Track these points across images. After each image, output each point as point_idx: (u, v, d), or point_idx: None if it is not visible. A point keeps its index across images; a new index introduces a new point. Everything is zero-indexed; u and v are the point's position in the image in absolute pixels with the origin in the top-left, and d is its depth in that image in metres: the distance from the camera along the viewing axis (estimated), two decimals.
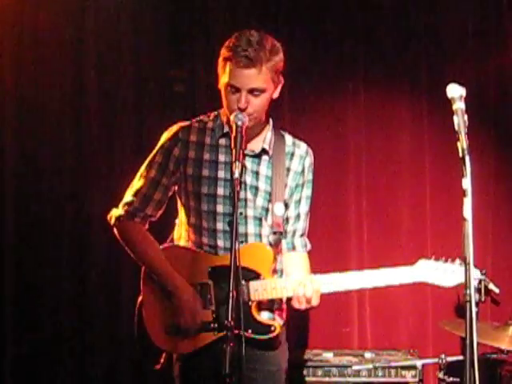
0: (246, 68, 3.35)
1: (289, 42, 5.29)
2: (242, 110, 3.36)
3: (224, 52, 3.42)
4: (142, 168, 3.61)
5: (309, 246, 3.68)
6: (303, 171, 3.62)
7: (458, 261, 3.38)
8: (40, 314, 5.28)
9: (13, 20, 5.27)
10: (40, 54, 5.30)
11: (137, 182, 3.60)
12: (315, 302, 3.40)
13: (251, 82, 3.37)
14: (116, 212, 3.59)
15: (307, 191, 3.64)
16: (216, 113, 3.62)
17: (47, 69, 5.30)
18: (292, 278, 3.48)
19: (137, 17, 5.34)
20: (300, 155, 3.62)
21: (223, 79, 3.42)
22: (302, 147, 3.65)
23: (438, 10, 5.36)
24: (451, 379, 4.32)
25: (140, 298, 3.56)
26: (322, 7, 5.37)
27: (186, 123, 3.62)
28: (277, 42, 3.49)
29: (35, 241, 5.29)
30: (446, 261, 3.42)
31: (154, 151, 3.61)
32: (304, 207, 3.64)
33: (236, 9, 5.31)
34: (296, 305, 3.42)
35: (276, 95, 3.50)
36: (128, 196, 3.59)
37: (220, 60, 3.44)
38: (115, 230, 3.61)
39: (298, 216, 3.63)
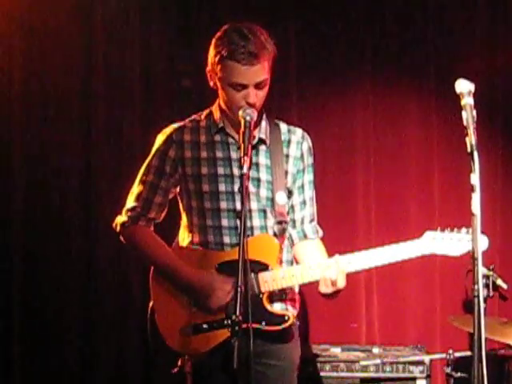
0: (251, 65, 3.32)
1: (297, 38, 5.37)
2: (251, 105, 3.34)
3: (219, 50, 3.36)
4: (141, 172, 3.61)
5: (321, 233, 3.65)
6: (302, 156, 3.59)
7: (464, 229, 3.35)
8: (47, 314, 5.29)
9: (21, 14, 5.27)
10: (48, 48, 5.29)
11: (136, 187, 3.60)
12: (341, 283, 3.37)
13: (257, 76, 3.35)
14: (120, 219, 3.60)
15: (309, 176, 3.62)
16: (208, 111, 3.60)
17: (55, 63, 5.29)
18: (303, 265, 3.47)
19: (145, 11, 5.34)
20: (297, 141, 3.59)
21: (225, 78, 3.38)
22: (298, 133, 3.62)
23: (447, 3, 5.35)
24: (459, 375, 4.31)
25: (151, 304, 3.55)
26: (330, 2, 5.37)
27: (179, 124, 3.60)
28: (264, 30, 3.43)
29: (43, 241, 5.30)
30: (452, 230, 3.39)
31: (151, 155, 3.60)
32: (308, 192, 3.62)
33: (245, 2, 5.31)
34: (323, 289, 3.40)
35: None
36: (130, 202, 3.59)
37: (215, 60, 3.38)
38: (121, 237, 3.62)
39: (303, 202, 3.61)
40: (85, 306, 5.32)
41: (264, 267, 3.42)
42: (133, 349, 5.28)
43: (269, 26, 3.52)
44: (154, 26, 5.36)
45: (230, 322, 3.01)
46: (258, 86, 3.37)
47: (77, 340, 5.31)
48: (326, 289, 3.40)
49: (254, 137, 3.42)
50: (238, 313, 2.93)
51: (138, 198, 3.57)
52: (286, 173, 3.55)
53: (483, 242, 3.26)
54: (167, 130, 3.60)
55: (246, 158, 3.15)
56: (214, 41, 3.42)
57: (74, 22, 5.31)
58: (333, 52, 5.37)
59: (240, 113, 3.31)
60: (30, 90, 5.30)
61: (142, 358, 5.23)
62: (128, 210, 3.58)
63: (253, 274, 3.38)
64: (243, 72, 3.33)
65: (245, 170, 3.12)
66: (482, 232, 3.20)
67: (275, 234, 3.52)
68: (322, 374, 4.74)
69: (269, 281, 3.41)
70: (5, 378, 5.26)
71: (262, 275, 3.41)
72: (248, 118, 3.27)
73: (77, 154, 5.34)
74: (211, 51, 3.42)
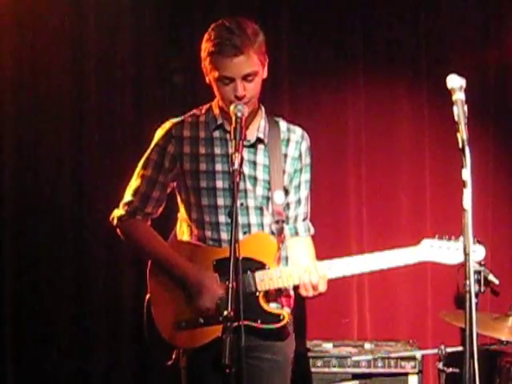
0: (235, 57, 3.34)
1: (289, 33, 5.36)
2: (240, 99, 3.35)
3: (207, 46, 3.40)
4: (139, 167, 3.61)
5: (312, 230, 3.67)
6: (300, 156, 3.60)
7: (461, 238, 3.35)
8: (39, 312, 5.28)
9: (12, 7, 5.25)
10: (40, 42, 5.28)
11: (134, 181, 3.60)
12: (322, 288, 3.40)
13: (243, 68, 3.36)
14: (117, 212, 3.60)
15: (306, 175, 3.63)
16: (208, 106, 3.60)
17: (47, 58, 5.28)
18: (297, 266, 3.48)
19: (136, 6, 5.32)
20: (296, 140, 3.61)
21: (213, 74, 3.40)
22: (297, 132, 3.63)
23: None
24: (451, 370, 4.32)
25: (147, 296, 3.56)
26: None
27: (179, 119, 3.60)
28: (254, 23, 3.45)
29: (34, 238, 5.30)
30: (450, 239, 3.41)
31: (149, 149, 3.60)
32: (304, 191, 3.63)
33: None
34: (303, 292, 3.42)
35: (265, 75, 3.49)
36: (127, 196, 3.59)
37: (204, 55, 3.42)
38: (118, 231, 3.61)
39: (298, 201, 3.62)
40: (78, 306, 5.32)
41: (261, 266, 3.44)
42: (127, 344, 5.29)
43: (261, 21, 3.52)
44: (146, 22, 5.35)
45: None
46: (245, 79, 3.37)
47: (71, 339, 5.32)
48: (306, 293, 3.43)
49: (246, 134, 3.41)
50: (229, 309, 2.93)
51: (136, 192, 3.57)
52: (284, 172, 3.57)
53: (480, 252, 3.29)
54: (166, 125, 3.60)
55: (237, 154, 3.14)
56: (204, 37, 3.44)
57: (66, 18, 5.29)
58: (324, 48, 5.37)
59: (231, 108, 3.30)
60: (21, 83, 5.29)
61: (137, 353, 5.23)
62: (125, 204, 3.58)
63: (249, 273, 3.41)
64: (228, 64, 3.35)
65: (236, 166, 3.11)
66: (479, 241, 3.22)
67: (273, 233, 3.54)
68: (313, 369, 4.75)
69: (265, 280, 3.42)
70: None
71: (259, 274, 3.42)
72: (239, 114, 3.26)
73: (68, 150, 5.33)
74: (202, 47, 3.45)
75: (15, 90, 5.30)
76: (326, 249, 3.71)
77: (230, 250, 3.02)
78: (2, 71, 5.29)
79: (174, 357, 3.52)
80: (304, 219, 3.66)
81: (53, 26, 5.28)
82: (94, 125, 5.32)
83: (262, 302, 3.43)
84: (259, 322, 3.41)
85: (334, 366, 4.75)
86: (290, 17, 5.35)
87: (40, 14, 5.26)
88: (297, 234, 3.64)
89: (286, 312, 3.48)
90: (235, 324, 2.98)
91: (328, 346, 4.95)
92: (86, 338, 5.31)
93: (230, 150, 3.41)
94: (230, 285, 2.96)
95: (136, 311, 5.03)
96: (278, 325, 3.44)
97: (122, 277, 5.28)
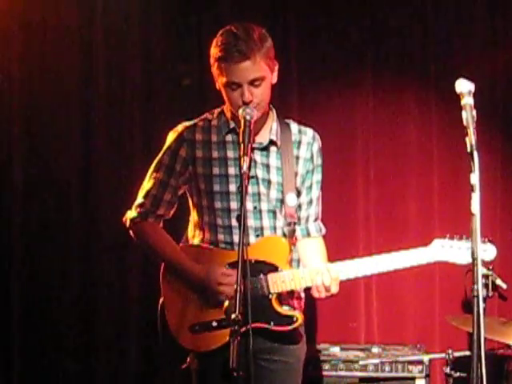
0: (241, 62, 3.35)
1: (297, 36, 5.37)
2: (247, 104, 3.36)
3: (214, 52, 3.42)
4: (151, 169, 3.63)
5: (323, 230, 3.69)
6: (312, 157, 3.62)
7: None
8: (47, 314, 5.30)
9: (21, 10, 5.26)
10: (48, 46, 5.30)
11: (146, 184, 3.62)
12: (334, 289, 3.42)
13: (249, 73, 3.37)
14: (130, 214, 3.62)
15: (317, 176, 3.65)
16: (219, 109, 3.62)
17: (55, 62, 5.30)
18: (309, 268, 3.49)
19: (145, 10, 5.34)
20: (307, 142, 3.62)
21: (221, 79, 3.42)
22: (309, 133, 3.65)
23: (447, 3, 5.36)
24: (458, 374, 4.31)
25: (161, 300, 3.57)
26: (332, 2, 5.37)
27: (191, 122, 3.62)
28: (262, 28, 3.46)
29: (42, 239, 5.32)
30: (461, 238, 3.41)
31: (162, 152, 3.62)
32: (315, 192, 3.65)
33: (244, 3, 5.31)
34: (315, 294, 3.44)
35: (274, 80, 3.50)
36: (140, 198, 3.62)
37: (212, 61, 3.44)
38: (131, 232, 3.64)
39: (310, 201, 3.64)
40: (85, 307, 5.33)
41: (273, 268, 3.45)
42: (134, 345, 5.30)
43: (270, 25, 3.54)
44: (154, 26, 5.36)
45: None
46: (252, 84, 3.38)
47: (78, 340, 5.33)
48: (318, 294, 3.44)
49: (254, 138, 3.42)
50: (237, 312, 2.94)
51: (148, 194, 3.60)
52: (296, 174, 3.58)
53: (491, 251, 3.28)
54: (179, 128, 3.61)
55: (245, 157, 3.16)
56: (212, 43, 3.46)
57: (75, 21, 5.31)
58: (333, 51, 5.37)
59: (240, 112, 3.32)
60: (30, 87, 5.30)
61: (144, 355, 5.24)
62: (137, 206, 3.61)
63: (262, 275, 3.43)
64: (234, 70, 3.36)
65: (244, 169, 3.13)
66: (490, 241, 3.22)
67: (285, 235, 3.55)
68: (321, 373, 4.74)
69: (278, 282, 3.44)
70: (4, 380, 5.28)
71: (272, 276, 3.44)
72: (248, 117, 3.28)
73: (77, 154, 5.35)
74: (210, 53, 3.46)
75: (24, 94, 5.32)
76: (334, 252, 3.71)
77: (238, 254, 3.03)
78: (11, 74, 5.30)
79: (188, 360, 3.54)
80: (315, 219, 3.68)
81: (61, 30, 5.29)
82: (103, 128, 5.33)
83: (275, 304, 3.45)
84: (272, 324, 3.43)
85: (342, 370, 4.74)
86: (299, 21, 5.35)
87: (49, 16, 5.27)
88: (308, 234, 3.66)
89: (298, 314, 3.49)
90: (247, 327, 2.99)
91: (335, 349, 4.95)
92: (92, 339, 5.32)
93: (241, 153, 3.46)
94: (238, 288, 2.97)
95: (142, 313, 5.10)
96: (292, 326, 3.45)
97: (129, 279, 5.29)
